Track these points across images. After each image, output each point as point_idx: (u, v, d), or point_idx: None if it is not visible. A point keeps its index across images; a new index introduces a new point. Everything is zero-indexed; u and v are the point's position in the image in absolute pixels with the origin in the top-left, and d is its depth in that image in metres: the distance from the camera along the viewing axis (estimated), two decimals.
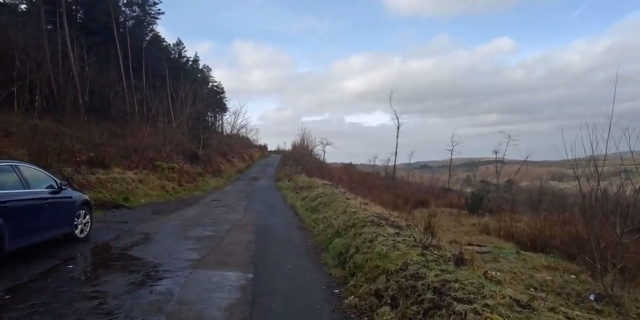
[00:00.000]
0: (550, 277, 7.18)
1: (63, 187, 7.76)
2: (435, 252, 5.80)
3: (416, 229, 8.29)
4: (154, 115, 24.16)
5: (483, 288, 4.27)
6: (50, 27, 37.97)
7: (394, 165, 63.43)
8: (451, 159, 66.71)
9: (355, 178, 45.82)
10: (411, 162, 79.38)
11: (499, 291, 4.19)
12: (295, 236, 9.31)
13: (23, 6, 40.24)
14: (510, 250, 9.73)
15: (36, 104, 32.54)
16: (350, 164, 70.73)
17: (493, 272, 6.33)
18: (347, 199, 12.51)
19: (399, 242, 6.26)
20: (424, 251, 5.75)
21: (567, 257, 9.23)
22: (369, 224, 7.81)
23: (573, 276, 7.83)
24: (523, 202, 41.46)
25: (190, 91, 26.69)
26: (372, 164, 72.56)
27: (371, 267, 5.67)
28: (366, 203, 11.34)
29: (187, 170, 20.32)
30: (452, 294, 4.11)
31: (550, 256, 9.55)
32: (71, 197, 8.08)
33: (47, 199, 7.14)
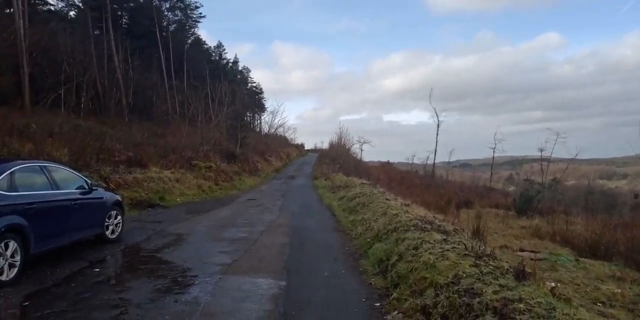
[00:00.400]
0: (619, 290, 6.31)
1: (93, 188, 7.56)
2: (491, 262, 5.11)
3: (464, 234, 7.59)
4: (193, 115, 24.25)
5: (554, 310, 3.59)
6: (97, 32, 39.35)
7: (433, 163, 61.58)
8: (493, 157, 64.13)
9: (393, 177, 44.85)
10: (450, 160, 76.97)
11: (574, 315, 3.50)
12: (332, 239, 8.78)
13: (72, 13, 41.87)
14: (568, 257, 8.82)
15: (82, 106, 33.76)
16: (388, 163, 69.57)
17: (551, 282, 5.59)
18: (387, 199, 11.86)
19: (447, 250, 5.60)
20: (477, 262, 5.08)
21: (634, 265, 8.26)
22: (412, 228, 7.17)
23: None
24: (569, 202, 39.37)
25: (228, 91, 26.66)
26: (410, 162, 71.06)
27: (417, 278, 5.05)
28: (407, 204, 10.66)
29: (224, 169, 20.22)
30: (518, 318, 3.46)
31: (614, 264, 8.57)
32: (102, 198, 7.88)
33: (76, 200, 6.92)
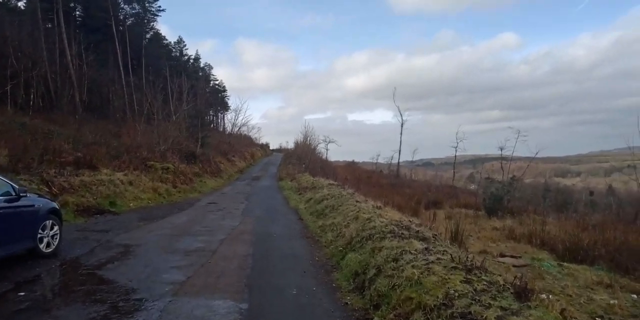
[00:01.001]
0: (614, 301, 5.83)
1: (22, 194, 6.45)
2: (483, 277, 4.46)
3: (444, 241, 6.98)
4: (150, 113, 22.84)
5: None
6: (50, 25, 36.96)
7: (398, 163, 61.78)
8: (455, 156, 64.80)
9: (360, 177, 44.46)
10: (414, 159, 77.69)
11: None
12: (300, 248, 7.98)
13: (21, 4, 39.18)
14: (550, 262, 8.40)
15: (31, 103, 31.52)
16: (353, 162, 69.47)
17: (545, 295, 5.02)
18: (357, 201, 11.17)
19: (432, 262, 4.92)
20: (468, 276, 4.42)
21: (617, 269, 7.90)
22: (389, 235, 6.48)
23: (634, 296, 6.49)
24: (528, 199, 40.17)
25: (188, 86, 25.37)
26: (375, 161, 71.07)
27: (401, 298, 4.34)
28: (380, 207, 9.99)
29: (183, 170, 19.00)
30: None
31: (597, 268, 8.21)
32: (33, 206, 6.77)
33: None
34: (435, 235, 7.08)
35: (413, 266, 4.90)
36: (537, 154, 47.90)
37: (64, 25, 34.38)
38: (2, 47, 28.18)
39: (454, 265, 4.84)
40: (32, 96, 31.79)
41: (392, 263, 5.22)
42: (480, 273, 4.63)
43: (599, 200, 48.75)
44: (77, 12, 43.10)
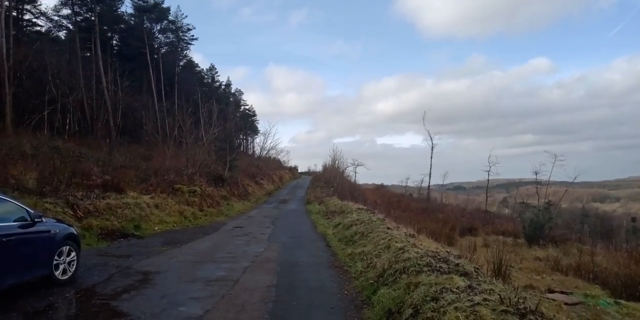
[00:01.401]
0: None
1: (37, 220, 6.20)
2: None
3: (487, 276, 6.31)
4: (180, 137, 22.99)
5: None
6: (88, 54, 38.58)
7: (428, 186, 60.46)
8: (488, 180, 63.08)
9: (389, 201, 43.48)
10: (444, 183, 76.13)
11: None
12: (327, 279, 7.39)
13: (62, 34, 41.12)
14: (605, 299, 7.50)
15: (67, 128, 32.57)
16: (382, 185, 68.48)
17: None
18: (389, 228, 10.54)
19: (478, 303, 4.29)
20: None
21: None
22: (425, 268, 5.86)
23: None
24: (565, 225, 38.28)
25: (216, 110, 25.56)
26: (404, 185, 69.89)
27: None
28: (413, 235, 9.34)
29: (210, 193, 18.81)
30: None
31: None
32: (49, 231, 6.51)
33: (11, 235, 5.59)
34: (477, 268, 6.41)
35: (456, 308, 4.28)
36: (575, 178, 46.10)
37: (101, 53, 35.80)
38: (41, 75, 29.44)
39: (504, 308, 4.20)
40: (67, 121, 32.93)
41: (431, 303, 4.61)
42: (536, 319, 3.98)
43: None
44: (114, 42, 45.01)
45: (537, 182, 58.33)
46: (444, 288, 4.94)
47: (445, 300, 4.54)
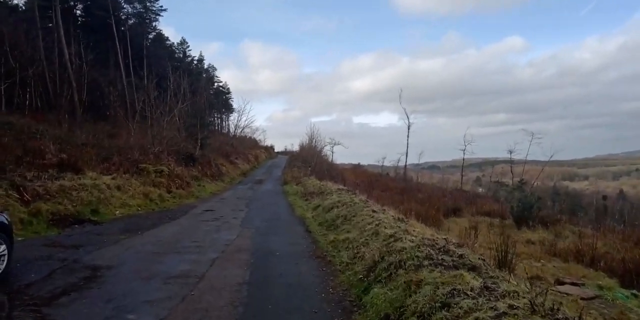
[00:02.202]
0: None
1: None
2: None
3: (493, 267, 5.43)
4: (143, 110, 21.39)
5: None
6: (51, 25, 35.83)
7: (405, 165, 60.23)
8: (464, 159, 63.50)
9: (367, 180, 42.86)
10: (419, 162, 76.49)
11: None
12: (309, 273, 6.40)
13: (22, 2, 38.12)
14: (621, 291, 6.78)
15: (27, 103, 30.33)
16: (359, 165, 67.93)
17: None
18: (374, 211, 9.60)
19: (505, 313, 3.36)
20: None
21: None
22: (426, 262, 4.92)
23: None
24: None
25: (185, 83, 23.95)
26: (381, 164, 69.59)
27: None
28: (402, 219, 8.41)
29: (180, 173, 17.49)
30: None
31: None
32: None
33: None
34: (483, 259, 5.51)
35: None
36: (552, 157, 46.58)
37: (63, 23, 33.25)
38: None
39: (531, 312, 3.29)
40: (27, 96, 30.62)
41: (442, 312, 3.65)
42: None
43: (610, 205, 47.03)
44: (78, 11, 42.10)
45: (511, 161, 58.99)
46: (454, 289, 3.99)
47: (460, 308, 3.60)
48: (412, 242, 5.96)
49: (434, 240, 6.17)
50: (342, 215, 10.25)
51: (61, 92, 31.88)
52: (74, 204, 11.05)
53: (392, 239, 6.43)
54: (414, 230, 6.89)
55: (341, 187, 17.58)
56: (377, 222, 7.99)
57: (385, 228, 7.25)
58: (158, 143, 18.12)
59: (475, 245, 6.36)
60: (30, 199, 10.28)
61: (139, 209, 12.97)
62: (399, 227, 7.33)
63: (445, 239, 6.39)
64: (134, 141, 17.86)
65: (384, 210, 10.01)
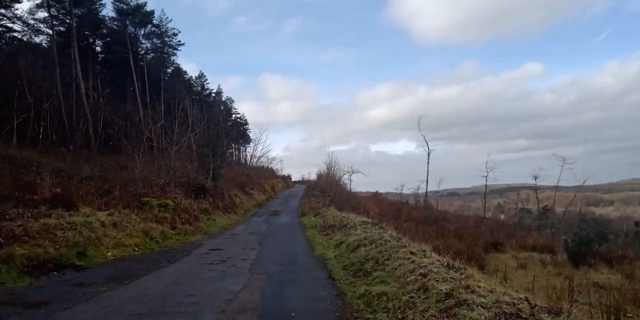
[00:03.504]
0: None
1: None
2: None
3: None
4: (148, 140, 20.15)
5: None
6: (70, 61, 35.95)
7: (426, 193, 58.23)
8: (486, 186, 61.27)
9: (387, 208, 40.78)
10: (439, 189, 74.41)
11: None
12: None
13: (44, 41, 38.55)
14: None
15: (40, 137, 29.85)
16: (377, 193, 65.88)
17: None
18: (412, 253, 7.76)
19: None
20: None
21: None
22: None
23: None
24: (563, 230, 36.09)
25: (195, 111, 22.82)
26: (400, 192, 67.51)
27: None
28: (454, 266, 6.54)
29: (187, 207, 15.88)
30: None
31: None
32: None
33: None
34: None
35: None
36: (584, 182, 44.26)
37: (82, 59, 33.35)
38: (14, 81, 26.73)
39: None
40: (41, 130, 30.08)
41: None
42: None
43: None
44: (97, 48, 42.48)
45: (536, 187, 56.80)
46: None
47: None
48: (485, 308, 4.14)
49: (513, 304, 4.33)
50: (372, 257, 8.42)
51: (77, 126, 31.43)
52: (57, 246, 9.46)
53: (451, 300, 4.62)
54: (478, 286, 5.05)
55: (365, 219, 15.75)
56: (421, 271, 6.16)
57: (437, 281, 5.43)
58: (165, 174, 16.67)
59: (574, 310, 4.48)
60: (2, 241, 8.77)
61: (136, 249, 11.31)
62: (454, 279, 5.51)
63: (527, 300, 4.54)
64: (139, 173, 16.45)
65: (424, 251, 8.16)
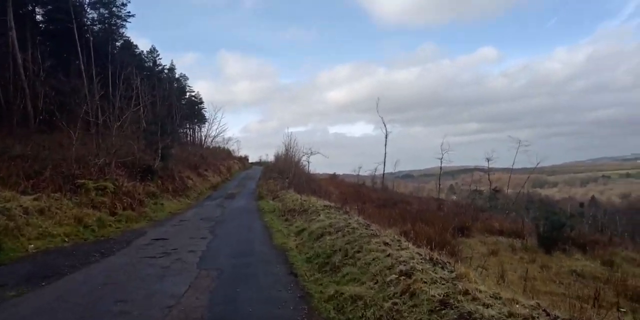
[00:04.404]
0: None
1: None
2: None
3: None
4: (85, 115, 18.11)
5: None
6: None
7: (383, 175, 58.49)
8: (441, 168, 62.41)
9: (345, 191, 40.18)
10: (394, 171, 75.39)
11: None
12: None
13: None
14: None
15: None
16: (335, 175, 65.44)
17: None
18: (386, 244, 6.80)
19: None
20: None
21: None
22: None
23: None
24: (511, 210, 37.13)
25: (139, 83, 20.87)
26: (357, 174, 67.47)
27: None
28: (438, 262, 5.60)
29: (130, 190, 14.25)
30: None
31: None
32: None
33: None
34: None
35: None
36: (538, 164, 45.76)
37: (17, 27, 29.90)
38: None
39: None
40: None
41: None
42: None
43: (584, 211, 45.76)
44: (38, 16, 38.61)
45: (488, 169, 58.29)
46: None
47: None
48: (481, 310, 3.17)
49: (532, 318, 3.39)
50: (339, 249, 7.39)
51: (14, 100, 28.50)
52: None
53: (449, 311, 3.64)
54: (478, 290, 4.10)
55: (327, 203, 14.75)
56: (401, 268, 5.17)
57: (425, 282, 4.45)
58: (105, 153, 14.88)
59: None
60: None
61: (66, 240, 9.74)
62: (444, 280, 4.55)
63: (545, 311, 3.62)
64: (76, 152, 14.58)
65: (399, 240, 7.21)
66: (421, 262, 5.39)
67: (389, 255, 5.99)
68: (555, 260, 10.94)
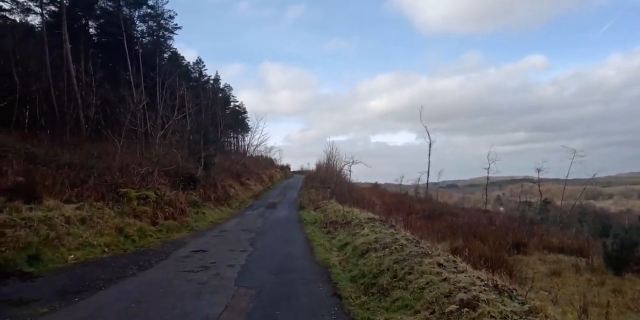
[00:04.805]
0: None
1: None
2: None
3: None
4: (130, 124, 18.38)
5: None
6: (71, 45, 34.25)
7: (427, 185, 56.89)
8: (488, 178, 60.38)
9: (389, 201, 39.23)
10: (438, 181, 73.43)
11: None
12: None
13: (36, 22, 36.74)
14: None
15: (27, 121, 28.21)
16: (377, 184, 64.38)
17: None
18: (440, 265, 6.10)
19: None
20: None
21: None
22: None
23: None
24: (564, 223, 34.86)
25: (185, 92, 21.06)
26: (399, 183, 66.10)
27: None
28: (505, 289, 4.89)
29: (172, 199, 14.18)
30: None
31: None
32: None
33: None
34: None
35: None
36: (594, 175, 43.07)
37: (71, 40, 31.35)
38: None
39: None
40: (27, 113, 28.44)
41: None
42: None
43: None
44: (92, 30, 40.54)
45: (538, 180, 55.87)
46: None
47: None
48: None
49: None
50: (387, 268, 6.74)
51: (67, 110, 29.73)
52: (4, 249, 7.80)
53: None
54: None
55: (371, 215, 14.08)
56: (461, 296, 4.49)
57: (494, 318, 3.76)
58: (147, 162, 14.94)
59: None
60: None
61: (106, 250, 9.62)
62: (517, 315, 3.84)
63: None
64: (120, 161, 14.72)
65: (455, 261, 6.48)
66: (484, 290, 4.68)
67: (445, 280, 5.31)
68: (628, 283, 9.77)
